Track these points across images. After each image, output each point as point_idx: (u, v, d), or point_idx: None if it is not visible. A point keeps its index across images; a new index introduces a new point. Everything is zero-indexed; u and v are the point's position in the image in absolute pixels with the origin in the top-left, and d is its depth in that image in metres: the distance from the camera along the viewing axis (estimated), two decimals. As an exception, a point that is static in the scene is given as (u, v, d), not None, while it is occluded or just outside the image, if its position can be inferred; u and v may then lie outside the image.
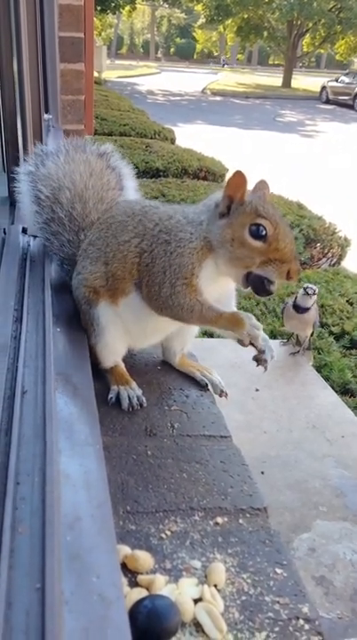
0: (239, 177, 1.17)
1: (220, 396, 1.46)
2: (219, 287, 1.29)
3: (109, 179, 1.54)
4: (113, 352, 1.39)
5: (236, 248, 1.18)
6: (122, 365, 1.42)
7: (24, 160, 1.57)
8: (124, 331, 1.37)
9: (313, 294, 3.08)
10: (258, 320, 1.24)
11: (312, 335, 3.34)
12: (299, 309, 3.11)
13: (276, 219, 1.17)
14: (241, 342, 1.22)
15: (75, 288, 1.39)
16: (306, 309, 3.11)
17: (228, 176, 1.21)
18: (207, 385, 1.47)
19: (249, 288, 1.22)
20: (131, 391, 1.36)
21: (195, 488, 1.10)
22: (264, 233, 1.16)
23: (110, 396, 1.35)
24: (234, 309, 1.34)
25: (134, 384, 1.38)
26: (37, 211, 1.48)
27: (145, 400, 1.36)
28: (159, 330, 1.40)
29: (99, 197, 1.51)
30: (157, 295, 1.25)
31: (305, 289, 3.10)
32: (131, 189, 1.61)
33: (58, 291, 1.44)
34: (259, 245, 1.16)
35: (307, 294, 3.08)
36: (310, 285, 3.14)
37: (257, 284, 1.20)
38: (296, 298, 3.16)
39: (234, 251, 1.18)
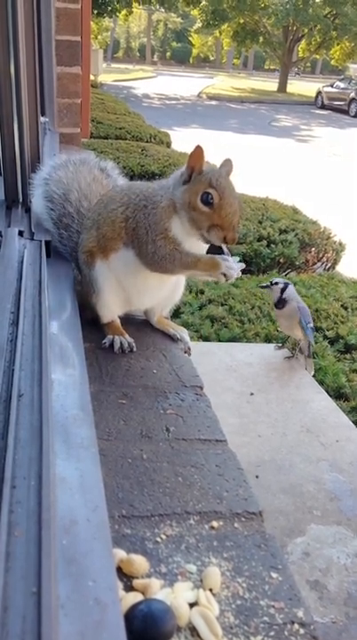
0: (198, 150, 1.36)
1: (185, 352, 1.64)
2: (196, 245, 1.43)
3: (108, 182, 1.80)
4: (110, 310, 1.59)
5: (191, 210, 1.36)
6: (118, 321, 1.62)
7: (38, 169, 1.81)
8: (119, 288, 1.55)
9: (274, 285, 3.28)
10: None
11: (310, 344, 3.33)
12: (276, 305, 3.32)
13: (224, 191, 1.34)
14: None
15: (79, 259, 1.59)
16: (280, 303, 3.28)
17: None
18: (179, 339, 1.67)
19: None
20: (124, 339, 1.56)
21: (191, 492, 1.09)
22: (211, 200, 1.33)
23: (104, 341, 1.54)
24: None
25: (127, 335, 1.58)
26: (52, 208, 1.71)
27: (135, 346, 1.55)
28: (149, 284, 1.55)
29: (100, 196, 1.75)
30: (145, 252, 1.44)
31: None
32: None
33: (55, 293, 1.44)
34: (206, 211, 1.34)
35: (268, 287, 3.31)
36: (273, 279, 3.38)
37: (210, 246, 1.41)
38: None
39: (189, 212, 1.37)
